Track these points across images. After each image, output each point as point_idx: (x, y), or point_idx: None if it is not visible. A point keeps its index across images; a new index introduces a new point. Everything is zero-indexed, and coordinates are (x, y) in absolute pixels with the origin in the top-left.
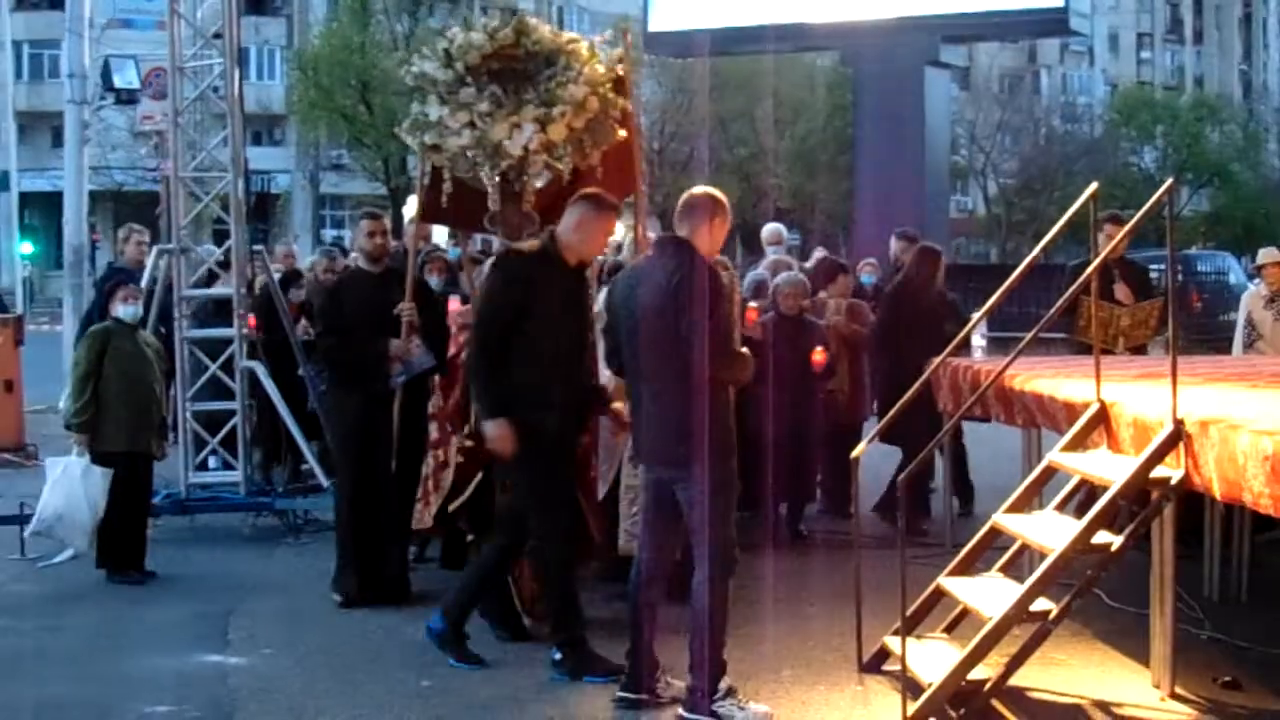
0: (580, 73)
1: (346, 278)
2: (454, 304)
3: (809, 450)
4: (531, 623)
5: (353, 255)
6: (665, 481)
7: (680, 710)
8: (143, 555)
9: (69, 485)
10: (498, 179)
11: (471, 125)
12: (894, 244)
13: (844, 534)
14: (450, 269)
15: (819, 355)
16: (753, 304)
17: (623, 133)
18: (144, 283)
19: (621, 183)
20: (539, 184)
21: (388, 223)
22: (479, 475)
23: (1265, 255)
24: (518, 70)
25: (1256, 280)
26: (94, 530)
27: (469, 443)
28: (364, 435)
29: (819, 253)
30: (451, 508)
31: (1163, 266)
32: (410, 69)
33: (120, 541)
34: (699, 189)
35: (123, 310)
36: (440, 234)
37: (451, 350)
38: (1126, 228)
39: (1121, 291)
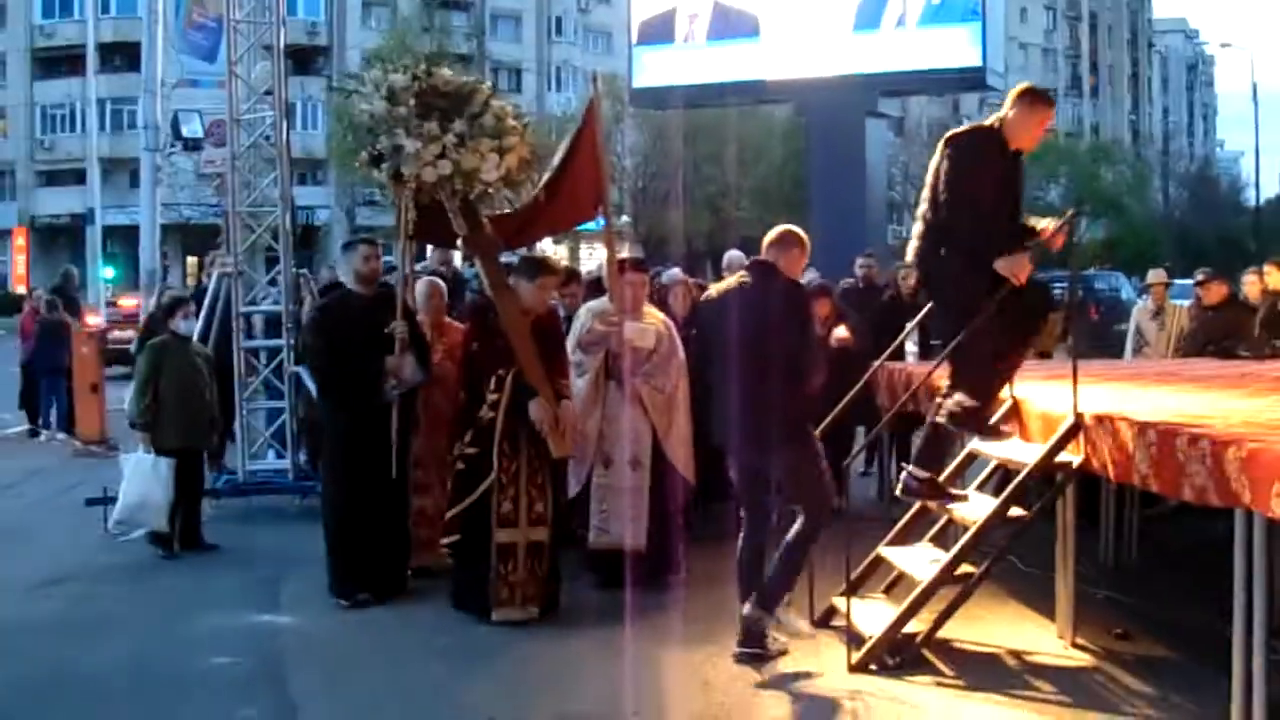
0: (503, 109)
1: (339, 299)
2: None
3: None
4: (500, 613)
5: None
6: (758, 467)
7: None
8: (199, 534)
9: (144, 476)
10: (459, 205)
11: (442, 155)
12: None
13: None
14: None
15: None
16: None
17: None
18: (206, 301)
19: (585, 207)
20: (501, 210)
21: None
22: (487, 482)
23: (1153, 275)
24: (441, 108)
25: (1144, 296)
26: (169, 510)
27: (471, 450)
28: (356, 448)
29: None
30: (449, 515)
31: (1066, 284)
32: (364, 109)
33: (180, 523)
34: (786, 227)
35: (183, 325)
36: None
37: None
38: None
39: None
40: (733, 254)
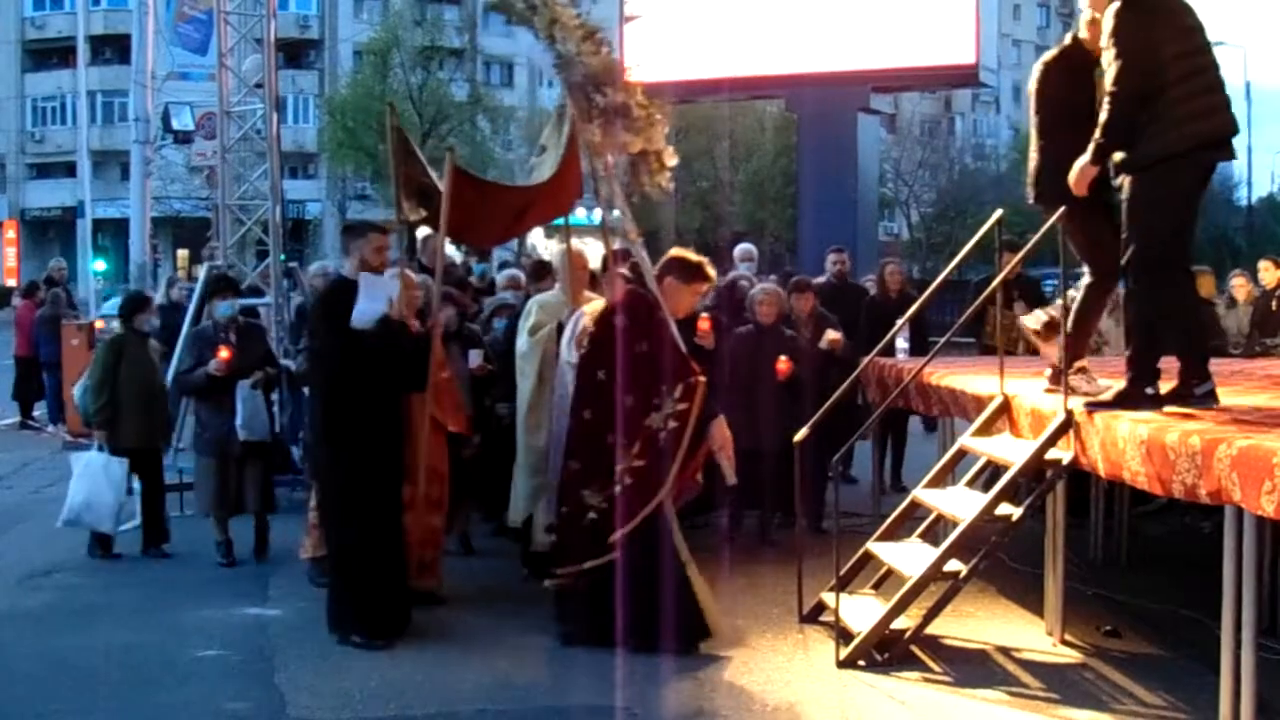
0: None
1: (338, 288)
2: None
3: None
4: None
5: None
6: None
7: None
8: (165, 532)
9: (93, 476)
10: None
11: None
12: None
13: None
14: None
15: (783, 364)
16: (704, 313)
17: None
18: (195, 293)
19: (569, 196)
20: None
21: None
22: (659, 497)
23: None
24: None
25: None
26: (117, 514)
27: (639, 463)
28: (379, 461)
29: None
30: (615, 537)
31: (1057, 282)
32: (576, 53)
33: (144, 521)
34: None
35: (148, 324)
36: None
37: None
38: (1023, 251)
39: (1019, 305)
40: (743, 247)
